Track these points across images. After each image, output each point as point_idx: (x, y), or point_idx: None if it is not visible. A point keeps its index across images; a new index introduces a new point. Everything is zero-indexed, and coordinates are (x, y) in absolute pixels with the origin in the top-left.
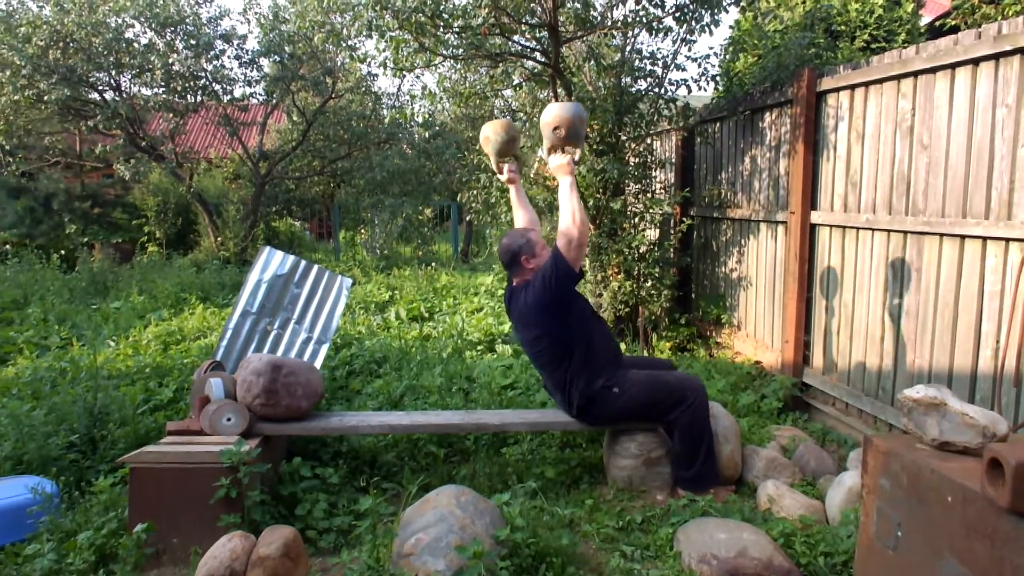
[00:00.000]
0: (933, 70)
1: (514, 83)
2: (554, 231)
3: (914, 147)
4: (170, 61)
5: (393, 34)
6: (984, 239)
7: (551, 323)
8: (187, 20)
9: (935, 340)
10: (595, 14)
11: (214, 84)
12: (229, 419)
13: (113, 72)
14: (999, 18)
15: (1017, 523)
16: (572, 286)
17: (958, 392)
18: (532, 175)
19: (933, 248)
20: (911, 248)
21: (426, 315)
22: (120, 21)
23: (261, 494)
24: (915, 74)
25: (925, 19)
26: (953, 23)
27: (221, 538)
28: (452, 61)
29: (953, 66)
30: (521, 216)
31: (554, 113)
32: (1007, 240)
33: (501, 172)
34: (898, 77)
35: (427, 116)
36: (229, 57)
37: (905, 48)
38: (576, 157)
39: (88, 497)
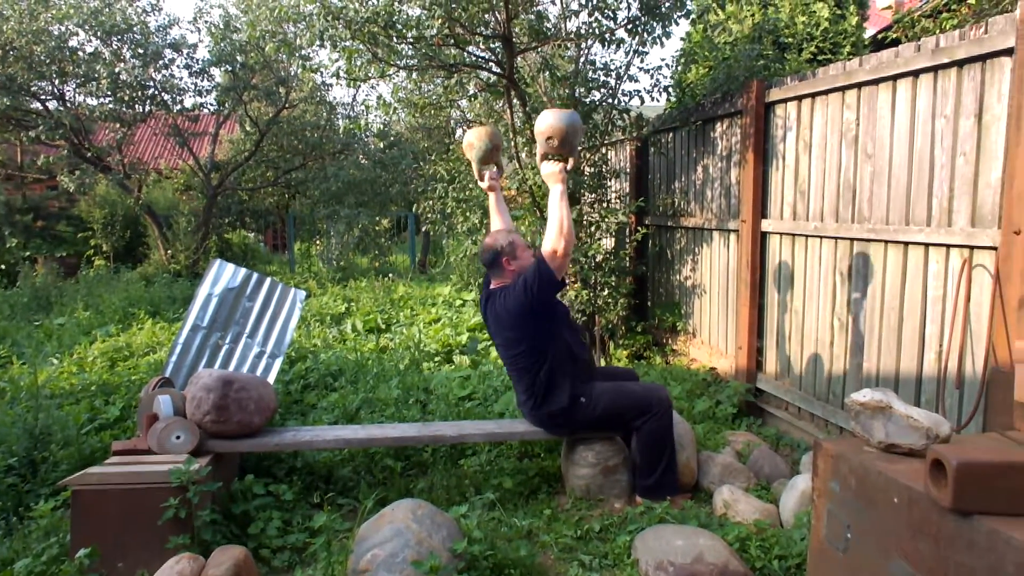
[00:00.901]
0: (876, 82)
1: (469, 94)
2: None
3: (859, 156)
4: (117, 70)
5: (346, 44)
6: (926, 246)
7: (529, 329)
8: (134, 28)
9: (882, 344)
10: (548, 26)
11: (163, 94)
12: (178, 437)
13: (56, 81)
14: (937, 32)
15: (959, 522)
16: (554, 294)
17: (904, 395)
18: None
19: (878, 255)
20: (857, 255)
21: (383, 327)
22: (63, 29)
23: (212, 513)
24: (859, 85)
25: (869, 32)
26: (895, 36)
27: (169, 560)
28: (406, 71)
29: (895, 78)
30: (498, 223)
31: (548, 122)
32: (948, 246)
33: (482, 179)
34: (843, 88)
35: (382, 126)
36: (179, 66)
37: (850, 60)
38: (569, 166)
39: (27, 523)
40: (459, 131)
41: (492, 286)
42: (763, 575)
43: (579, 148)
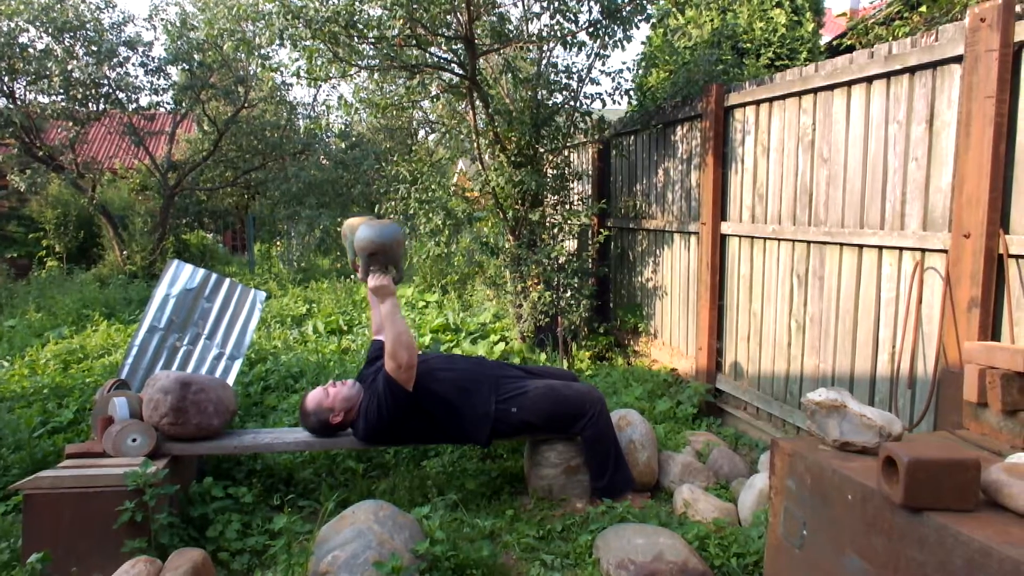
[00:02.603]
0: (831, 87)
1: (431, 95)
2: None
3: (815, 161)
4: (69, 68)
5: (306, 43)
6: (880, 248)
7: (407, 424)
8: (87, 25)
9: (837, 345)
10: (511, 28)
11: (118, 92)
12: (134, 440)
13: (6, 78)
14: (889, 39)
15: (910, 518)
16: (408, 405)
17: (859, 395)
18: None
19: (834, 257)
20: (814, 257)
21: (345, 328)
22: (13, 25)
23: (169, 516)
24: (815, 91)
25: (825, 38)
26: (849, 43)
27: (125, 564)
28: (368, 72)
29: (849, 83)
30: (376, 317)
31: (367, 237)
32: (900, 249)
33: (357, 271)
34: (799, 93)
35: (344, 127)
36: (134, 64)
37: (806, 66)
38: (395, 278)
39: None
40: (421, 132)
41: (348, 429)
42: (722, 573)
43: (404, 258)
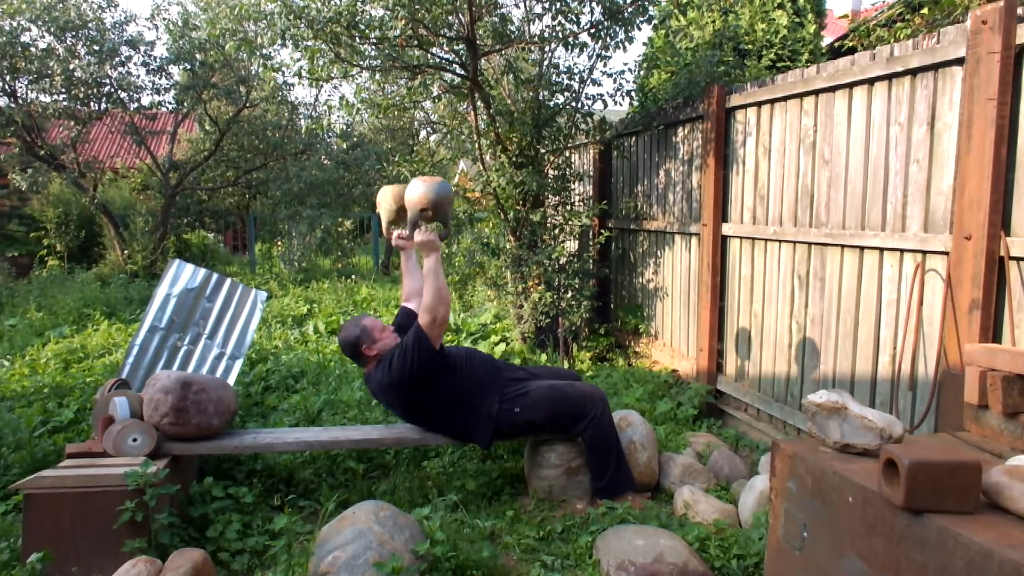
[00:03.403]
0: (833, 89)
1: (433, 95)
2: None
3: (816, 162)
4: (71, 67)
5: (308, 44)
6: (881, 250)
7: (417, 394)
8: (89, 25)
9: (838, 347)
10: (512, 28)
11: (119, 91)
12: (135, 439)
13: (8, 77)
14: (891, 41)
15: (911, 520)
16: (433, 361)
17: (860, 396)
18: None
19: (835, 259)
20: (815, 259)
21: None
22: (15, 24)
23: (169, 516)
24: (816, 92)
25: (826, 40)
26: (851, 44)
27: (125, 564)
28: (370, 72)
29: (851, 85)
30: (408, 283)
31: (419, 192)
32: (902, 251)
33: (390, 236)
34: (801, 95)
35: (345, 127)
36: (136, 64)
37: (808, 67)
38: (443, 234)
39: None
40: (423, 133)
41: (366, 373)
42: (722, 574)
43: (450, 215)
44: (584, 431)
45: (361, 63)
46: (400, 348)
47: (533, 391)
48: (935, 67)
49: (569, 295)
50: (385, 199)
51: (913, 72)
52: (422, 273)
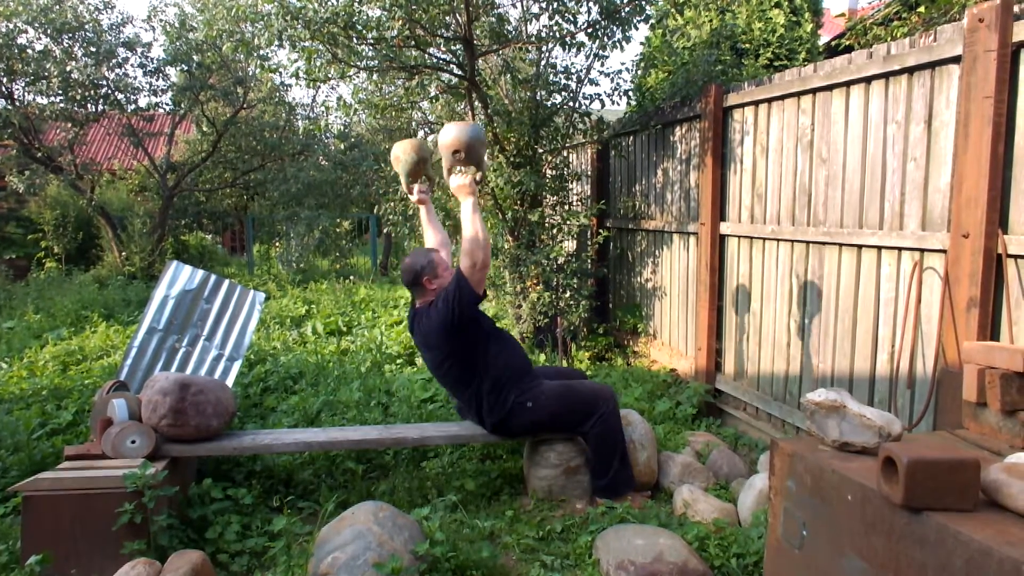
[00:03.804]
0: (830, 87)
1: (431, 95)
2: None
3: (814, 161)
4: (68, 69)
5: (305, 44)
6: (879, 248)
7: (456, 345)
8: (86, 26)
9: (836, 345)
10: (509, 28)
11: (116, 93)
12: (134, 441)
13: (4, 79)
14: (888, 39)
15: (910, 518)
16: (475, 308)
17: (858, 395)
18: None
19: (833, 257)
20: (813, 257)
21: (344, 329)
22: (11, 26)
23: (168, 518)
24: (814, 91)
25: (823, 39)
26: (848, 43)
27: (124, 566)
28: (367, 73)
29: (848, 84)
30: (431, 237)
31: (452, 135)
32: (899, 249)
33: (412, 192)
34: (798, 94)
35: (343, 128)
36: (133, 65)
37: (805, 66)
38: (477, 177)
39: None
40: (420, 133)
41: (417, 306)
42: (722, 573)
43: (486, 160)
44: (592, 428)
45: (358, 64)
46: (444, 292)
47: (546, 387)
48: (932, 65)
49: (567, 295)
50: (404, 151)
51: (910, 70)
52: (442, 226)
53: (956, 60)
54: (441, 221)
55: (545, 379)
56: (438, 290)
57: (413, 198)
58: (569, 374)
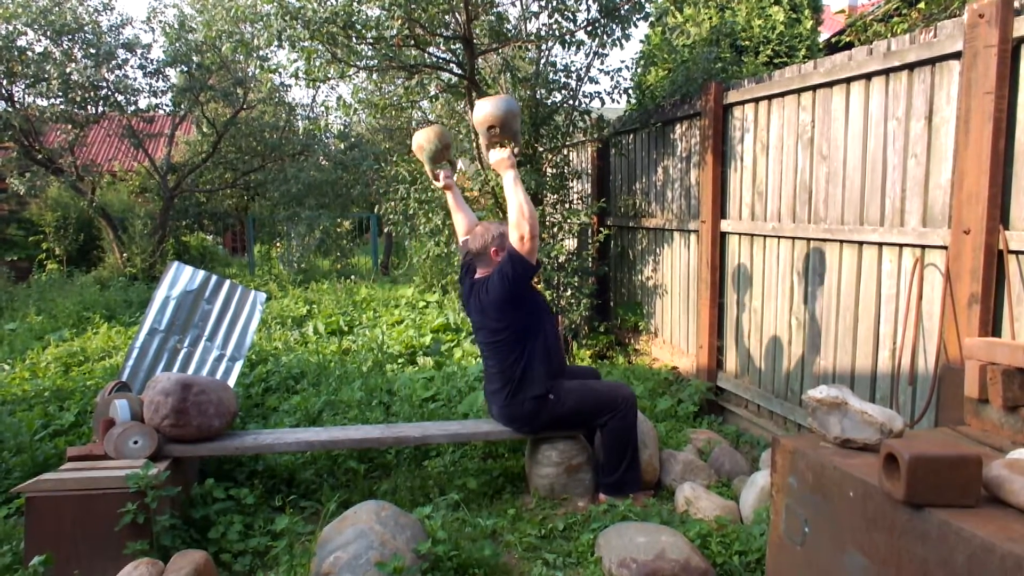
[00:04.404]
0: (830, 84)
1: (430, 95)
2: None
3: (814, 158)
4: (68, 70)
5: (305, 44)
6: (880, 245)
7: (512, 316)
8: (85, 28)
9: (838, 342)
10: (509, 27)
11: (116, 94)
12: (136, 442)
13: (4, 81)
14: (888, 36)
15: (912, 514)
16: (531, 278)
17: (860, 391)
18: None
19: (834, 254)
20: (814, 255)
21: (345, 329)
22: (11, 28)
23: (171, 518)
24: (814, 88)
25: (823, 36)
26: (848, 40)
27: (127, 566)
28: (367, 72)
29: (848, 80)
30: (461, 220)
31: (486, 111)
32: (900, 245)
33: (437, 179)
34: (798, 91)
35: (343, 127)
36: (132, 67)
37: (805, 63)
38: (516, 151)
39: None
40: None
41: (477, 276)
42: (724, 570)
43: (521, 133)
44: (607, 422)
45: (358, 63)
46: (499, 267)
47: (567, 383)
48: (932, 61)
49: (568, 293)
50: (427, 138)
51: (910, 67)
52: (470, 209)
53: (956, 56)
54: (442, 220)
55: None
56: (494, 264)
57: (439, 184)
58: (584, 373)
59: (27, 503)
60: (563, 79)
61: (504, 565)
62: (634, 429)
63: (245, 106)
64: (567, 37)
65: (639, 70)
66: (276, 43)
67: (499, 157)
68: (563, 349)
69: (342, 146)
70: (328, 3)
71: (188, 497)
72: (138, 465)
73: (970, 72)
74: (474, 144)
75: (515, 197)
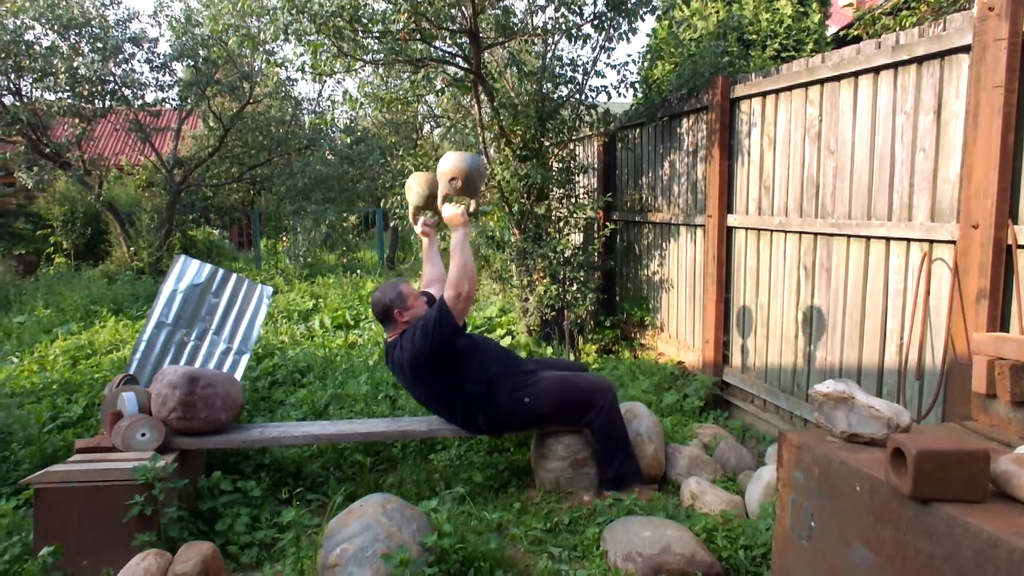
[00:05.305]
0: (838, 78)
1: (436, 89)
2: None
3: (822, 152)
4: (75, 64)
5: (311, 38)
6: (887, 240)
7: (436, 370)
8: (93, 22)
9: (845, 337)
10: (515, 21)
11: (123, 88)
12: (143, 434)
13: (12, 76)
14: (897, 29)
15: (918, 509)
16: (455, 338)
17: (866, 386)
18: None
19: (841, 249)
20: (821, 249)
21: (351, 323)
22: (19, 23)
23: (178, 510)
24: (821, 82)
25: (831, 29)
26: (856, 33)
27: (135, 557)
28: (373, 66)
29: (856, 74)
30: (428, 271)
31: (452, 163)
32: (908, 240)
33: (416, 223)
34: (806, 85)
35: (349, 122)
36: (139, 61)
37: (812, 57)
38: (471, 208)
39: None
40: (427, 126)
41: (389, 339)
42: (729, 565)
43: (481, 191)
44: (592, 421)
45: (364, 57)
46: (423, 322)
47: (542, 381)
48: (941, 55)
49: (574, 288)
50: (417, 183)
51: (919, 60)
52: (441, 261)
53: (966, 49)
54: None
55: (543, 369)
56: (411, 320)
57: (417, 229)
58: (568, 366)
59: (36, 494)
60: (569, 73)
61: (509, 558)
62: (620, 423)
63: (251, 100)
64: (574, 31)
65: (646, 64)
66: (282, 37)
67: (453, 212)
68: (506, 353)
69: (348, 140)
70: None
71: (195, 489)
72: (146, 457)
73: (979, 66)
74: (480, 139)
75: (461, 256)
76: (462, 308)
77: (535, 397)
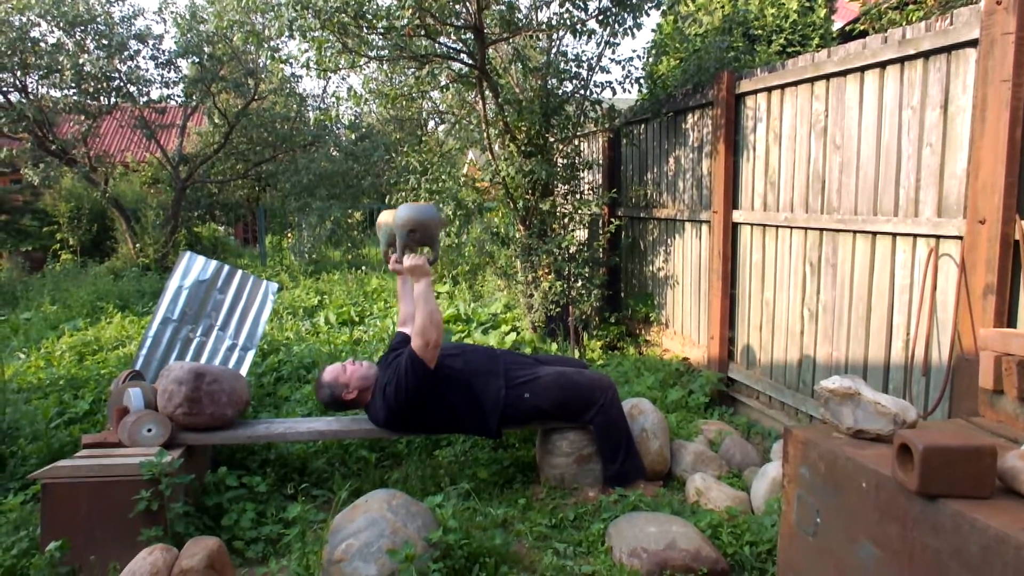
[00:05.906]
0: (844, 73)
1: (441, 84)
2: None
3: (828, 147)
4: (80, 61)
5: (316, 34)
6: (894, 235)
7: (422, 411)
8: (98, 19)
9: (851, 333)
10: (520, 16)
11: (129, 85)
12: (150, 430)
13: (18, 73)
14: (903, 24)
15: (925, 505)
16: (428, 382)
17: (872, 383)
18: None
19: (847, 245)
20: (827, 245)
21: (356, 319)
22: (24, 20)
23: (184, 506)
24: (827, 77)
25: (837, 24)
26: (862, 28)
27: (141, 552)
28: (377, 62)
29: (862, 69)
30: (404, 309)
31: (408, 216)
32: (915, 236)
33: (387, 260)
34: (812, 80)
35: (354, 118)
36: (144, 58)
37: (818, 52)
38: (431, 258)
39: None
40: (431, 123)
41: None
42: (735, 561)
43: (439, 240)
44: (593, 418)
45: (369, 53)
46: (394, 376)
47: (542, 377)
48: (948, 49)
49: (579, 284)
50: (385, 222)
51: (926, 55)
52: (410, 301)
53: (973, 44)
54: (452, 211)
55: (543, 365)
56: (363, 385)
57: (389, 265)
58: (569, 363)
59: (43, 489)
60: (574, 68)
61: (515, 554)
62: (622, 419)
63: (256, 97)
64: (578, 26)
65: (651, 59)
66: (287, 33)
67: (415, 263)
68: (492, 353)
69: (353, 137)
70: None
71: (201, 485)
72: (152, 453)
73: (987, 60)
74: (485, 135)
75: (426, 306)
76: (431, 355)
77: (535, 393)
